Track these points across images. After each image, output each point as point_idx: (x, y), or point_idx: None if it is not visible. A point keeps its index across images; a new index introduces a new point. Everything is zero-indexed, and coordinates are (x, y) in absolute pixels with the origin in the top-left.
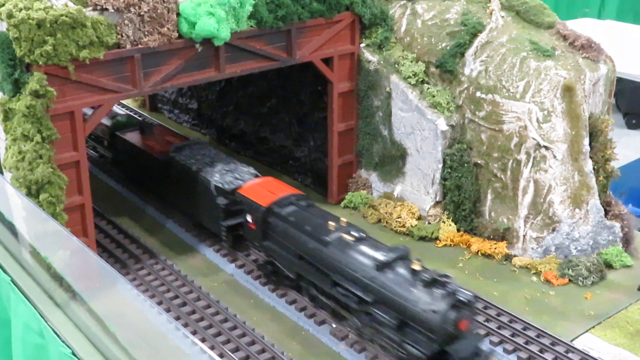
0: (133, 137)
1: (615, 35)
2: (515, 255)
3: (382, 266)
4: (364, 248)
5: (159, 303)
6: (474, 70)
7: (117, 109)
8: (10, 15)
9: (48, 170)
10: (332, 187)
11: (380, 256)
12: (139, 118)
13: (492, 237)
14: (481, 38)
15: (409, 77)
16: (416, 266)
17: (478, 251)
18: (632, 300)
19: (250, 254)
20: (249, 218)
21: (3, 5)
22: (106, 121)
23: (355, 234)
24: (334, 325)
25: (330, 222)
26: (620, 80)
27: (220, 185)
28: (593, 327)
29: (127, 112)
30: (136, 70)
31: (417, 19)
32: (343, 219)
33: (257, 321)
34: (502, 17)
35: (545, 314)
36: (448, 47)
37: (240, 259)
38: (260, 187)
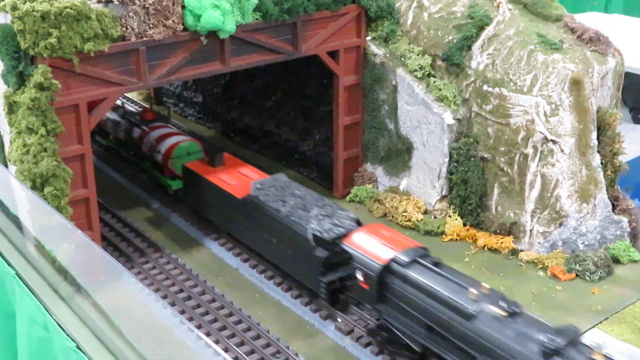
0: (203, 169)
1: (622, 30)
2: (521, 250)
3: (551, 353)
4: (521, 327)
5: (164, 297)
6: (481, 64)
7: (174, 131)
8: (14, 8)
9: (53, 163)
10: (338, 181)
11: (546, 339)
12: (202, 144)
13: (498, 231)
14: (488, 31)
15: (415, 70)
16: (598, 356)
17: (484, 246)
18: None
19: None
20: (359, 275)
21: None
22: (166, 146)
23: (506, 306)
24: (339, 320)
25: (470, 289)
26: (626, 75)
27: (319, 234)
28: (600, 322)
29: (190, 137)
30: (141, 63)
31: (423, 11)
32: (484, 284)
33: (262, 315)
34: (510, 9)
35: (551, 309)
36: (455, 40)
37: (244, 252)
38: (371, 238)
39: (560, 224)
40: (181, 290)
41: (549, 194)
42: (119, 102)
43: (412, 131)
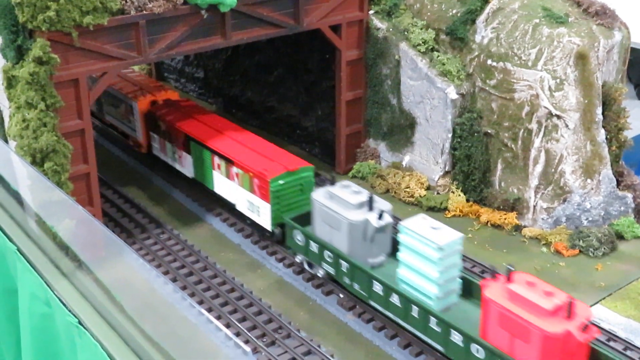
0: None
1: (626, 4)
2: (525, 226)
3: None
4: None
5: (166, 273)
6: (485, 38)
7: None
8: None
9: (52, 138)
10: (340, 157)
11: None
12: None
13: (501, 207)
14: (493, 4)
15: (419, 44)
16: None
17: (487, 222)
18: None
19: None
20: None
21: None
22: None
23: None
24: (341, 296)
25: None
26: (632, 50)
27: None
28: (603, 298)
29: None
30: (141, 36)
31: None
32: None
33: (264, 291)
34: None
35: (555, 285)
36: (459, 14)
37: (246, 228)
38: None
39: (564, 200)
40: (183, 266)
41: (553, 170)
42: None
43: (415, 106)
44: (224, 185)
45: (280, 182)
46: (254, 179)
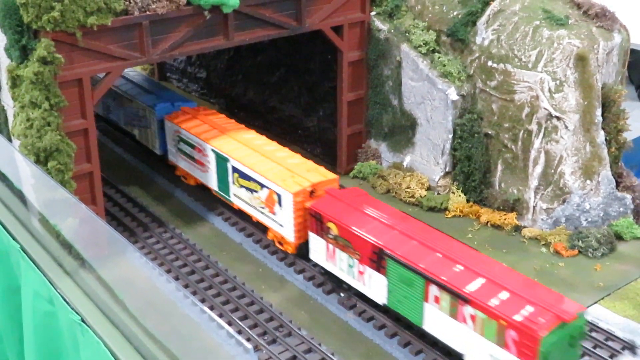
0: None
1: (627, 6)
2: (524, 226)
3: None
4: None
5: (168, 271)
6: (486, 39)
7: None
8: None
9: (56, 137)
10: (342, 157)
11: None
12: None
13: (501, 208)
14: (493, 6)
15: (420, 46)
16: None
17: (487, 222)
18: None
19: None
20: None
21: None
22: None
23: None
24: (342, 295)
25: None
26: (632, 52)
27: None
28: (602, 298)
29: None
30: (144, 37)
31: None
32: None
33: (265, 289)
34: None
35: (554, 285)
36: (460, 16)
37: (248, 227)
38: None
39: (564, 201)
40: (185, 265)
41: (552, 171)
42: None
43: (416, 107)
44: (444, 325)
45: (553, 338)
46: (508, 330)
